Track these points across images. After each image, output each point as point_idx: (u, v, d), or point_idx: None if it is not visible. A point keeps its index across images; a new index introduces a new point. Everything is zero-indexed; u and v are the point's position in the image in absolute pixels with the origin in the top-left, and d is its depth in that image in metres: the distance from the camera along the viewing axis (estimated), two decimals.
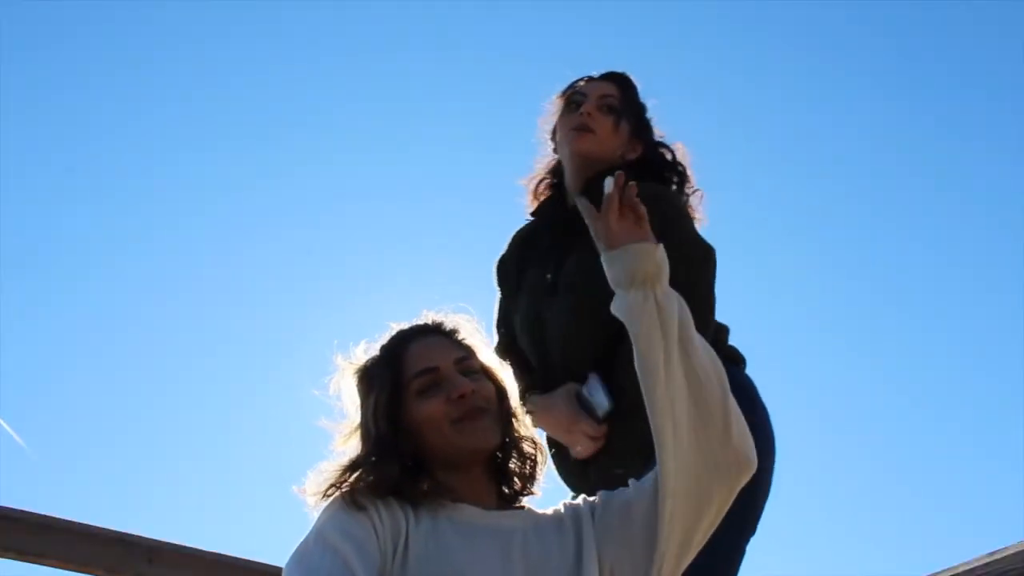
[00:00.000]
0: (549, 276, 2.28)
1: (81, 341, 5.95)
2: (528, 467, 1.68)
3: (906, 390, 6.67)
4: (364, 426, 1.64)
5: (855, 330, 6.56)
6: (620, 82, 2.37)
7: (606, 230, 1.62)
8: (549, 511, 1.67)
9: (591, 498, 1.67)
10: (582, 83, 2.38)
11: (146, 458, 5.74)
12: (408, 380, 1.64)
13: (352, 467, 1.60)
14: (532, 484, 1.69)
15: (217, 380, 6.09)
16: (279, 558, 2.55)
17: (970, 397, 6.55)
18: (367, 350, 1.73)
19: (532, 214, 2.45)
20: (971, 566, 2.67)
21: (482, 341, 1.75)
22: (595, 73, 2.41)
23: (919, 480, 6.52)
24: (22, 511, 2.33)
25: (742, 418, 1.61)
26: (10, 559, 2.30)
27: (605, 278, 1.63)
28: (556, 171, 2.41)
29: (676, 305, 1.59)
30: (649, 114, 2.39)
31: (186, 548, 2.49)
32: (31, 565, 2.32)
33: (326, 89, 6.11)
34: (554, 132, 2.41)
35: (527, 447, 1.69)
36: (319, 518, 1.54)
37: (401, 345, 1.69)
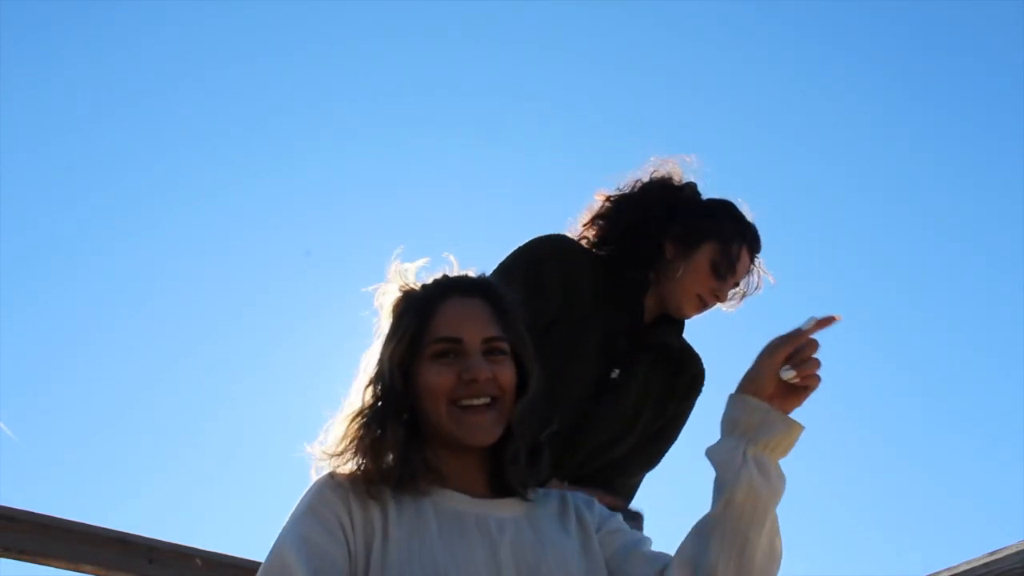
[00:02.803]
0: (615, 374, 2.32)
1: (80, 340, 5.95)
2: (527, 459, 1.56)
3: (907, 391, 6.68)
4: (380, 363, 1.56)
5: (856, 329, 6.56)
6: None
7: (769, 370, 1.48)
8: (551, 497, 1.59)
9: (594, 513, 1.60)
10: (752, 261, 2.41)
11: (146, 458, 5.75)
12: (429, 340, 1.53)
13: (360, 417, 1.51)
14: (529, 477, 1.56)
15: (217, 380, 6.09)
16: None
17: (970, 398, 6.56)
18: (419, 272, 1.63)
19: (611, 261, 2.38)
20: (971, 566, 2.67)
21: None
22: (759, 238, 2.43)
23: (919, 480, 6.52)
24: (22, 511, 2.33)
25: None
26: (10, 559, 2.30)
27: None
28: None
29: (771, 487, 1.47)
30: None
31: (186, 548, 2.49)
32: (31, 565, 2.32)
33: (323, 84, 6.11)
34: (685, 246, 2.35)
35: (530, 440, 1.56)
36: (294, 511, 1.46)
37: (440, 298, 1.57)
